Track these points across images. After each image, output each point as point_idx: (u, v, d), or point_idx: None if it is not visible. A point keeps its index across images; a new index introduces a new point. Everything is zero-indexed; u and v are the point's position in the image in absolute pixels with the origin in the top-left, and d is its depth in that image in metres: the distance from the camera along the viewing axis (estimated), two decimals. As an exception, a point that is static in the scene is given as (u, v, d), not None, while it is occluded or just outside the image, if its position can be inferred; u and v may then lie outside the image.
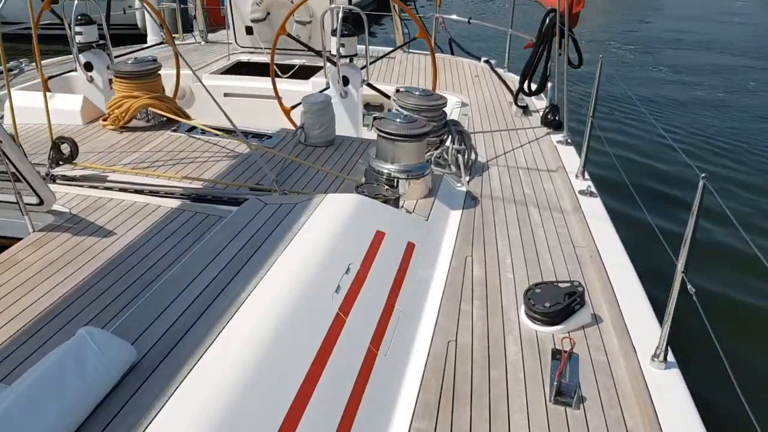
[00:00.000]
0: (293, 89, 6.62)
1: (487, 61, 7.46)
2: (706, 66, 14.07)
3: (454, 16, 8.17)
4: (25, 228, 3.11)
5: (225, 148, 4.27)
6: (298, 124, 4.71)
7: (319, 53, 5.80)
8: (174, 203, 3.42)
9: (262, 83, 6.09)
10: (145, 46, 6.68)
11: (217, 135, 4.35)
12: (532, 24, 7.05)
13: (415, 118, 3.62)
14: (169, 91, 5.96)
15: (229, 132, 4.56)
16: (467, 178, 4.17)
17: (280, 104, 6.03)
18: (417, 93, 4.08)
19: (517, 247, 3.37)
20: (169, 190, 3.57)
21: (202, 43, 8.42)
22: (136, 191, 3.55)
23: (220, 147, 4.28)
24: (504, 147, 4.87)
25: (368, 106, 6.65)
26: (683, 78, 12.92)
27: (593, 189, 4.09)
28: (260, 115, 6.51)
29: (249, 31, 7.59)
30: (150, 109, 4.45)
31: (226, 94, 6.78)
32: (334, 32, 5.19)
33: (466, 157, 4.27)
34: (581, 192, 4.05)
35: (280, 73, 6.91)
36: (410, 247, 3.06)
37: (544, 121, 5.23)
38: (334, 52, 5.24)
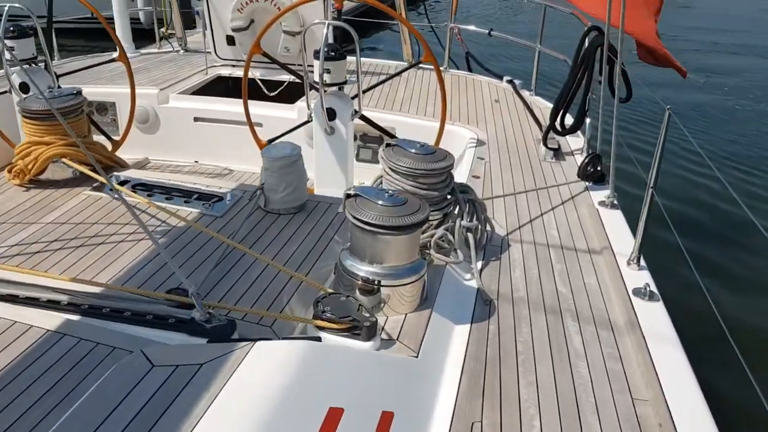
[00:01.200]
0: (275, 115, 5.60)
1: (510, 81, 6.36)
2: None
3: (472, 27, 7.06)
4: None
5: (155, 218, 3.23)
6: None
7: (300, 76, 4.76)
8: (53, 321, 2.40)
9: (242, 106, 5.05)
10: (97, 62, 5.66)
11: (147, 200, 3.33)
12: (565, 41, 5.97)
13: (404, 199, 2.55)
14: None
15: (168, 191, 3.55)
16: (479, 266, 3.11)
17: (255, 138, 5.00)
18: (413, 150, 3.02)
19: (548, 398, 2.31)
20: (54, 296, 2.54)
21: (181, 51, 7.41)
22: (9, 297, 2.53)
23: (149, 216, 3.25)
24: (530, 211, 3.78)
25: (365, 138, 5.60)
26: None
27: (653, 287, 3.00)
28: (237, 145, 5.49)
29: (230, 41, 6.57)
30: (63, 161, 3.43)
31: (196, 119, 5.79)
32: (317, 54, 4.14)
33: (478, 235, 3.20)
34: (637, 292, 2.96)
35: (267, 91, 5.90)
36: (384, 422, 2.01)
37: (583, 174, 4.14)
38: (317, 77, 4.19)
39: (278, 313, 2.42)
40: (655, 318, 2.82)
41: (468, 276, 3.04)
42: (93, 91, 5.92)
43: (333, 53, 4.21)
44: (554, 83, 7.65)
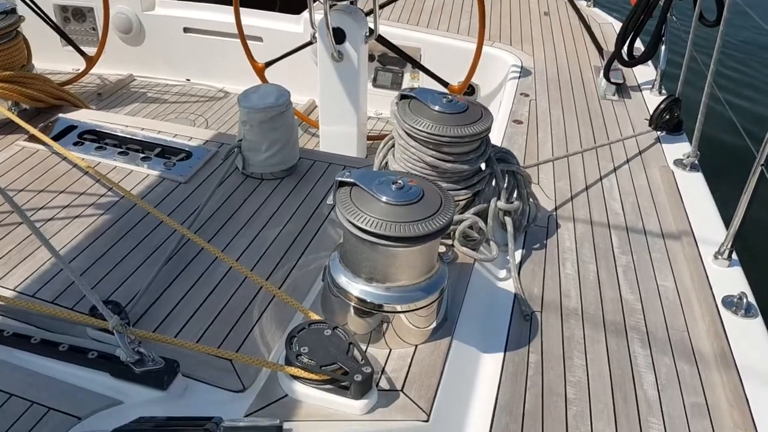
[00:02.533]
0: (278, 28, 4.77)
1: None
2: None
3: None
4: None
5: (99, 183, 2.54)
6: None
7: None
8: None
9: (241, 15, 4.23)
10: None
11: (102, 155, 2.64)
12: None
13: (419, 192, 1.82)
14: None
15: (123, 142, 2.85)
16: (518, 259, 2.41)
17: (250, 59, 4.22)
18: (437, 107, 2.24)
19: None
20: None
21: None
22: None
23: (91, 181, 2.56)
24: (586, 172, 3.01)
25: (384, 58, 4.77)
26: None
27: (750, 297, 2.29)
28: (235, 62, 4.71)
29: None
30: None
31: (186, 30, 4.98)
32: None
33: (518, 217, 2.47)
34: (728, 303, 2.26)
35: None
36: None
37: (656, 123, 3.31)
38: None
39: (234, 353, 1.78)
40: (755, 346, 2.13)
41: (503, 275, 2.35)
42: None
43: None
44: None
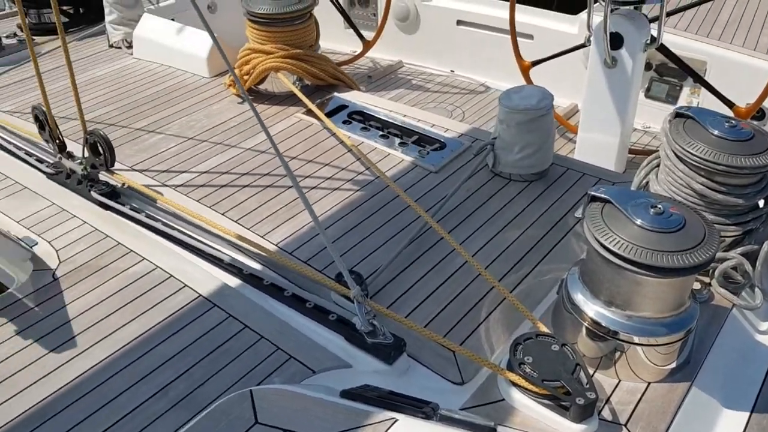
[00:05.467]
0: (550, 27, 4.73)
1: None
2: None
3: None
4: None
5: (359, 161, 2.77)
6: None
7: None
8: (209, 285, 2.12)
9: (516, 12, 4.28)
10: None
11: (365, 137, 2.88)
12: None
13: (680, 221, 1.71)
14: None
15: (385, 125, 3.06)
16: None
17: (517, 55, 4.25)
18: (716, 131, 2.06)
19: None
20: (218, 249, 2.27)
21: None
22: (189, 244, 2.31)
23: (353, 158, 2.80)
24: None
25: (662, 69, 4.50)
26: None
27: None
28: (500, 58, 4.78)
29: None
30: (277, 75, 3.10)
31: (459, 22, 5.16)
32: None
33: (797, 267, 2.20)
34: None
35: None
36: None
37: None
38: None
39: (458, 346, 1.84)
40: None
41: (764, 327, 2.12)
42: None
43: None
44: None
